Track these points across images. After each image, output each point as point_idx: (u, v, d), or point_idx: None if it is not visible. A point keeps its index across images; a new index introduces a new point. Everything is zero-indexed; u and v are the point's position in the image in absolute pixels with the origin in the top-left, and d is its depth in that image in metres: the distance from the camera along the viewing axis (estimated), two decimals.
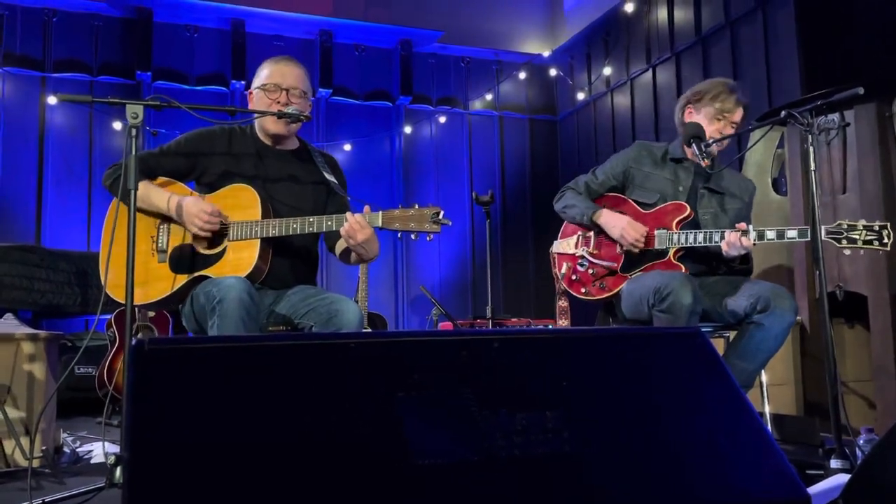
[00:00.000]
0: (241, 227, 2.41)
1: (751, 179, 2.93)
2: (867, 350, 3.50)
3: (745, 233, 2.58)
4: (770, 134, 4.02)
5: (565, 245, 2.99)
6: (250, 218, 2.41)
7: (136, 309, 2.90)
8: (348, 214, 2.32)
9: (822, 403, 3.47)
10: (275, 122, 2.54)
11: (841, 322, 3.70)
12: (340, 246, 2.59)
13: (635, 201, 2.89)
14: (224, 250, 2.42)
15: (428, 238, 2.30)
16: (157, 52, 6.02)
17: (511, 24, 7.07)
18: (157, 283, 2.44)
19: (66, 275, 4.57)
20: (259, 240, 2.39)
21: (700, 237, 2.69)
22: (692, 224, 2.79)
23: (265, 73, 2.58)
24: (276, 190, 2.53)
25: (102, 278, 2.38)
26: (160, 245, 2.47)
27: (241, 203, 2.45)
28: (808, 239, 2.48)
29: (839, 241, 2.43)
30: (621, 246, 2.82)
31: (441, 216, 2.27)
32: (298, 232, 2.38)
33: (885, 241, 2.39)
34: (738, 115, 2.87)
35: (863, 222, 2.43)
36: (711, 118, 2.86)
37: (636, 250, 2.76)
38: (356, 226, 2.30)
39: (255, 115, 2.55)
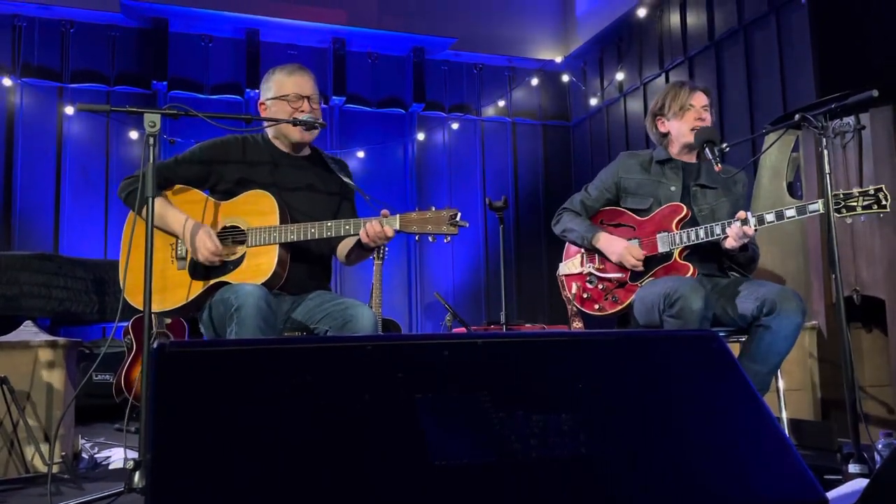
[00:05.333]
0: (259, 233, 2.43)
1: (740, 170, 2.93)
2: (885, 354, 3.47)
3: (744, 221, 2.58)
4: (785, 137, 4.00)
5: (571, 265, 2.99)
6: (268, 224, 2.44)
7: (154, 316, 2.93)
8: (367, 224, 2.36)
9: (839, 408, 3.45)
10: (300, 132, 2.58)
11: (858, 326, 3.68)
12: (343, 248, 2.63)
13: (631, 209, 2.89)
14: (243, 256, 2.45)
15: (445, 240, 2.32)
16: (172, 61, 6.09)
17: (523, 31, 7.08)
18: (176, 289, 2.47)
19: (83, 282, 4.61)
20: (277, 245, 2.41)
21: (701, 233, 2.69)
22: (691, 222, 2.79)
23: (280, 85, 2.60)
24: (291, 197, 2.56)
25: (122, 286, 2.42)
26: (180, 252, 2.50)
27: (259, 209, 2.48)
28: (808, 216, 2.49)
29: (839, 211, 2.42)
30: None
31: (458, 217, 2.30)
32: (316, 237, 2.41)
33: (884, 202, 2.38)
34: (699, 99, 2.87)
35: (857, 189, 2.43)
36: (680, 116, 2.87)
37: (638, 270, 2.77)
38: (378, 233, 2.35)
39: (271, 123, 2.58)
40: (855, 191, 2.41)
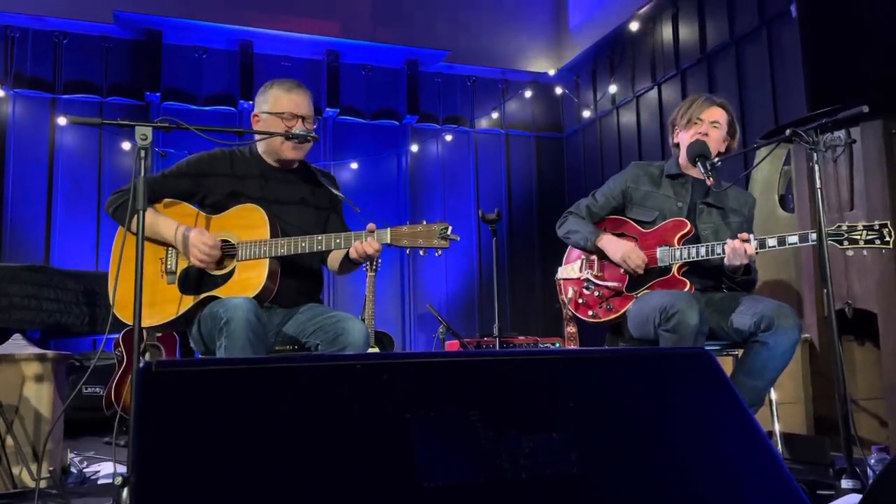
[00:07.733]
0: (250, 247, 2.42)
1: (750, 193, 2.92)
2: (878, 368, 3.47)
3: (745, 240, 2.58)
4: (776, 151, 4.02)
5: (570, 270, 3.01)
6: (258, 237, 2.42)
7: (144, 329, 2.91)
8: (357, 242, 2.35)
9: (832, 422, 3.44)
10: (291, 149, 2.57)
11: (851, 340, 3.68)
12: (333, 259, 2.62)
13: (635, 220, 2.90)
14: (233, 270, 2.43)
15: (437, 254, 2.31)
16: (166, 73, 6.08)
17: (517, 43, 7.10)
18: (166, 304, 2.45)
19: (74, 294, 4.58)
20: (267, 259, 2.40)
21: (702, 250, 2.69)
22: (693, 239, 2.79)
23: (277, 101, 2.57)
24: (281, 210, 2.55)
25: (111, 302, 2.40)
26: (169, 267, 2.49)
27: (249, 223, 2.46)
28: (809, 244, 2.48)
29: (840, 243, 2.41)
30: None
31: (449, 231, 2.29)
32: (307, 251, 2.39)
33: (887, 239, 2.35)
34: (711, 113, 2.86)
35: (862, 223, 2.41)
36: (687, 129, 2.87)
37: (638, 274, 2.77)
38: (369, 249, 2.34)
39: (263, 136, 2.57)
40: (859, 224, 2.40)
